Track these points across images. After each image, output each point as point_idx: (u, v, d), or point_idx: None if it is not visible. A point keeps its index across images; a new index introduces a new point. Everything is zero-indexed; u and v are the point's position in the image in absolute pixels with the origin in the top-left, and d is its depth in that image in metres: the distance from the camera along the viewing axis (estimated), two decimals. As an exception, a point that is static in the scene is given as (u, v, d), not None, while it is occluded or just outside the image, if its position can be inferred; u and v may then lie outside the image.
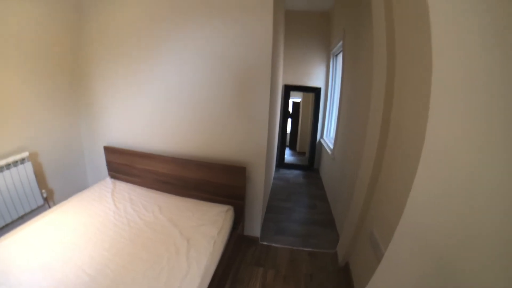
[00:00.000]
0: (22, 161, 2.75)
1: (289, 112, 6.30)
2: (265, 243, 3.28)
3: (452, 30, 0.96)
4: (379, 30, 2.01)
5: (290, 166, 6.40)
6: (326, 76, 5.65)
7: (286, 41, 5.48)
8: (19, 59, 2.70)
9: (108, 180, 3.36)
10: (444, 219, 0.93)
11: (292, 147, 7.26)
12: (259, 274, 2.76)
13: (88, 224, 2.42)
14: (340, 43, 4.20)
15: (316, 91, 5.77)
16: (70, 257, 1.98)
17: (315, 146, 6.07)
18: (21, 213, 2.78)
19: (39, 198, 2.96)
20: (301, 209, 4.32)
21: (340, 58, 4.56)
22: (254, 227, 3.31)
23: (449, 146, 0.94)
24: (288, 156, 6.87)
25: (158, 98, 3.13)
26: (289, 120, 6.53)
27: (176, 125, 3.15)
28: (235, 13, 2.63)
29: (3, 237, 2.13)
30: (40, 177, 3.06)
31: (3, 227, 2.61)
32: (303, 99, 6.60)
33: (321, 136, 5.90)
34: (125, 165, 3.38)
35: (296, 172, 6.10)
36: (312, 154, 6.15)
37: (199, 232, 2.38)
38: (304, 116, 6.61)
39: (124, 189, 3.15)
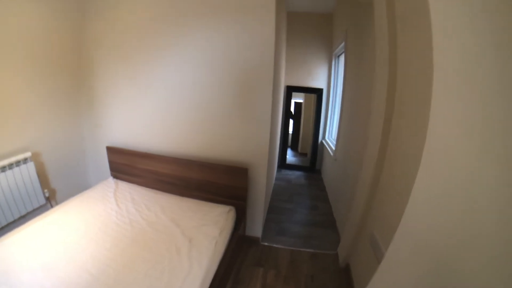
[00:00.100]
0: (25, 161, 2.76)
1: (291, 112, 6.30)
2: (266, 243, 3.29)
3: (453, 31, 0.96)
4: (381, 31, 2.02)
5: (291, 167, 6.40)
6: (328, 77, 5.64)
7: (288, 42, 5.48)
8: (21, 59, 2.71)
9: (111, 180, 3.37)
10: (444, 219, 0.93)
11: (294, 148, 7.25)
12: (260, 274, 2.77)
13: (90, 223, 2.43)
14: (342, 44, 4.20)
15: (318, 92, 5.76)
16: (72, 256, 1.98)
17: (317, 147, 6.06)
18: (23, 212, 2.79)
19: (41, 198, 2.97)
20: (303, 210, 4.32)
21: (342, 59, 4.56)
22: (255, 227, 3.31)
23: (450, 146, 0.94)
24: (290, 156, 6.86)
25: (160, 98, 3.14)
26: (291, 121, 6.52)
27: (178, 126, 3.16)
28: (238, 15, 2.63)
29: (5, 236, 2.14)
30: (42, 176, 3.07)
31: (5, 226, 2.62)
32: (305, 100, 6.59)
33: (323, 137, 5.89)
34: (127, 165, 3.39)
35: (297, 173, 6.10)
36: (314, 155, 6.14)
37: (201, 232, 2.38)
38: (306, 117, 6.60)
39: (127, 189, 3.15)
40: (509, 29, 0.73)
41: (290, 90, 5.89)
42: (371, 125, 2.27)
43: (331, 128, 5.57)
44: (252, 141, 2.94)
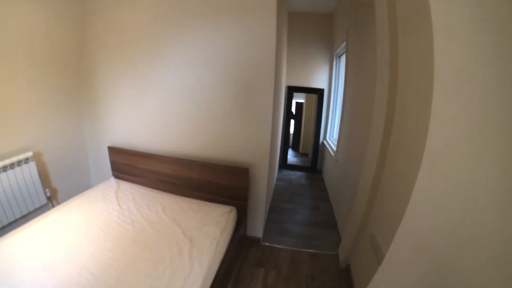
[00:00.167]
0: (26, 160, 2.77)
1: (292, 113, 6.30)
2: (267, 244, 3.29)
3: (454, 31, 0.97)
4: (382, 32, 2.02)
5: (293, 167, 6.40)
6: (329, 77, 5.64)
7: (289, 42, 5.48)
8: (23, 59, 2.72)
9: (112, 180, 3.38)
10: (445, 219, 0.93)
11: (295, 148, 7.26)
12: (261, 274, 2.77)
13: (91, 223, 2.44)
14: (343, 44, 4.19)
15: (319, 92, 5.76)
16: (73, 256, 1.99)
17: (318, 147, 6.06)
18: (25, 212, 2.79)
19: (43, 197, 2.98)
20: (304, 210, 4.32)
21: (343, 59, 4.56)
22: (256, 227, 3.32)
23: (450, 146, 0.94)
24: (291, 157, 6.87)
25: (161, 98, 3.15)
26: (292, 121, 6.52)
27: (179, 126, 3.16)
28: (238, 15, 2.63)
29: (6, 236, 2.14)
30: (44, 176, 3.08)
31: (6, 226, 2.62)
32: (306, 100, 6.59)
33: (324, 137, 5.89)
34: (128, 165, 3.40)
35: (298, 173, 6.10)
36: (315, 155, 6.14)
37: (202, 232, 2.39)
38: (307, 117, 6.60)
39: (128, 189, 3.16)
40: (509, 29, 0.73)
41: (291, 90, 5.89)
42: (372, 126, 2.27)
43: (332, 129, 5.56)
44: (253, 141, 2.94)
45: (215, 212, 2.73)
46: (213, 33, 2.76)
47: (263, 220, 3.31)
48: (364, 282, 2.18)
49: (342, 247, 2.95)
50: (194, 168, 3.06)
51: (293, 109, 6.44)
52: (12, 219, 2.68)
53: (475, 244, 0.79)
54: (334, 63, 5.24)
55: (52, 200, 3.24)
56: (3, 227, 2.60)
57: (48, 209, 2.91)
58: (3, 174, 2.55)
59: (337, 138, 4.65)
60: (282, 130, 5.90)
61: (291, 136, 6.72)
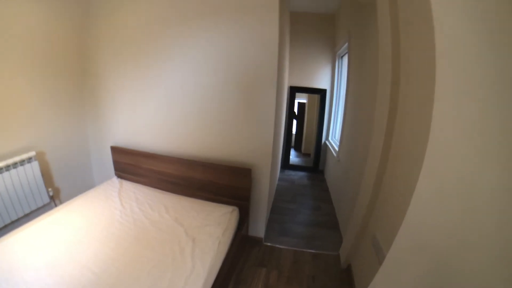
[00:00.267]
0: (29, 160, 2.78)
1: (294, 113, 6.30)
2: (269, 244, 3.30)
3: (455, 32, 0.97)
4: (384, 32, 2.02)
5: (295, 167, 6.40)
6: (331, 77, 5.63)
7: (291, 42, 5.48)
8: (27, 60, 2.73)
9: (115, 180, 3.39)
10: (445, 220, 0.94)
11: (297, 149, 7.25)
12: (262, 274, 2.77)
13: (94, 222, 2.45)
14: (346, 44, 4.19)
15: (321, 92, 5.75)
16: (75, 255, 2.00)
17: (320, 148, 6.06)
18: (27, 211, 2.81)
19: (45, 197, 3.00)
20: (306, 211, 4.32)
21: (345, 59, 4.56)
22: (258, 228, 3.32)
23: (452, 147, 0.95)
24: (293, 157, 6.87)
25: (164, 98, 3.16)
26: (294, 121, 6.52)
27: (182, 126, 3.17)
28: (241, 15, 2.64)
29: (8, 234, 2.16)
30: (46, 176, 3.10)
31: (9, 224, 2.64)
32: (309, 100, 6.59)
33: (326, 138, 5.88)
34: (131, 165, 3.41)
35: (301, 174, 6.09)
36: (317, 155, 6.13)
37: (204, 232, 2.39)
38: (310, 118, 6.59)
39: (131, 188, 3.17)
40: (509, 29, 0.74)
41: (294, 91, 5.89)
42: (374, 126, 2.28)
43: (334, 129, 5.56)
44: (255, 141, 2.94)
45: (217, 212, 2.74)
46: (215, 33, 2.76)
47: (265, 220, 3.31)
48: (365, 283, 2.18)
49: (344, 248, 2.95)
50: (197, 168, 3.07)
51: (295, 110, 6.43)
52: (14, 218, 2.69)
53: (475, 245, 0.79)
54: (337, 63, 5.24)
55: (54, 199, 3.25)
56: (6, 226, 2.61)
57: (51, 208, 2.93)
58: (6, 174, 2.56)
59: (339, 139, 4.64)
60: (285, 130, 5.90)
61: (293, 136, 6.71)
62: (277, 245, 3.27)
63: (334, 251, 3.16)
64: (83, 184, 3.70)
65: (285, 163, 6.33)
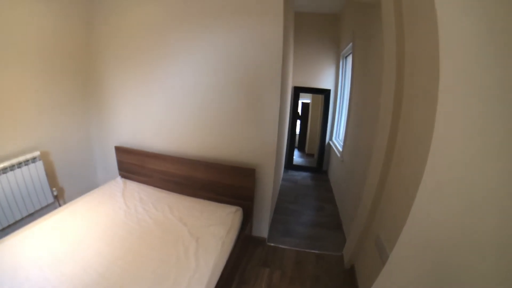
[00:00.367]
0: (34, 160, 2.80)
1: (298, 113, 6.29)
2: (272, 244, 3.30)
3: (459, 32, 0.97)
4: (388, 33, 2.02)
5: (298, 167, 6.38)
6: (335, 77, 5.62)
7: (295, 42, 5.47)
8: (32, 61, 2.75)
9: (119, 180, 3.41)
10: (449, 220, 0.94)
11: (301, 149, 7.23)
12: (265, 274, 2.78)
13: (98, 222, 2.47)
14: (350, 45, 4.18)
15: (325, 92, 5.74)
16: (79, 254, 2.02)
17: (324, 148, 6.04)
18: (32, 210, 2.83)
19: (50, 196, 3.01)
20: (309, 211, 4.32)
21: (349, 59, 4.55)
22: (261, 228, 3.32)
23: (455, 148, 0.94)
24: (297, 157, 6.84)
25: (168, 99, 3.17)
26: (298, 122, 6.51)
27: (186, 126, 3.18)
28: (245, 16, 2.64)
29: (13, 234, 2.18)
30: (51, 175, 3.11)
31: (13, 224, 2.65)
32: (313, 101, 6.57)
33: (330, 138, 5.87)
34: (135, 165, 3.43)
35: (304, 174, 6.09)
36: (321, 156, 6.12)
37: (208, 232, 2.40)
38: (313, 118, 6.58)
39: (135, 188, 3.19)
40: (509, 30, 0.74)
41: (298, 91, 5.88)
42: (378, 127, 2.27)
43: (338, 129, 5.55)
44: (259, 141, 2.95)
45: (221, 212, 2.75)
46: (219, 34, 2.77)
47: (268, 221, 3.31)
48: (368, 283, 2.17)
49: (347, 248, 2.95)
50: (201, 168, 3.08)
51: (299, 110, 6.42)
52: (19, 217, 2.71)
53: (480, 246, 0.79)
54: (341, 63, 5.23)
55: (59, 199, 3.27)
56: (10, 226, 2.63)
57: (55, 208, 2.95)
58: (11, 173, 2.58)
59: (343, 139, 4.63)
60: (288, 130, 5.89)
61: (297, 137, 6.69)
62: (281, 245, 3.27)
63: (337, 252, 3.16)
64: (87, 184, 3.72)
65: (289, 163, 6.32)
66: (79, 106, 3.44)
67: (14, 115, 2.66)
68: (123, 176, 3.55)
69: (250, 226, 3.05)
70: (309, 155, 6.95)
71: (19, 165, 2.66)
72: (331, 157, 5.86)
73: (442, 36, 1.08)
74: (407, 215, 1.23)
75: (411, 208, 1.21)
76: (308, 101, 6.70)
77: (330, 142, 5.76)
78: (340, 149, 4.72)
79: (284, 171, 6.09)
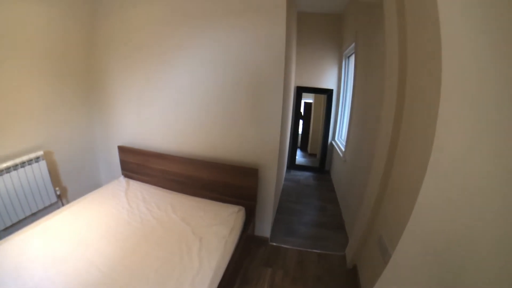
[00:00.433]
0: (37, 159, 2.81)
1: (300, 113, 6.29)
2: (275, 244, 3.30)
3: (461, 33, 0.97)
4: (391, 33, 2.02)
5: (301, 167, 6.38)
6: (338, 77, 5.61)
7: (298, 42, 5.47)
8: (36, 61, 2.77)
9: (122, 179, 3.42)
10: (450, 221, 0.94)
11: (303, 149, 7.23)
12: (268, 274, 2.78)
13: (101, 221, 2.48)
14: (352, 45, 4.18)
15: (328, 92, 5.74)
16: (82, 253, 2.03)
17: (326, 148, 6.04)
18: (35, 210, 2.85)
19: (53, 196, 3.03)
20: (311, 211, 4.33)
21: (352, 59, 4.55)
22: (264, 227, 3.33)
23: (457, 149, 0.95)
24: (299, 157, 6.85)
25: (171, 98, 3.18)
26: (301, 122, 6.51)
27: (189, 126, 3.19)
28: (248, 16, 2.65)
29: (17, 233, 2.19)
30: (54, 175, 3.13)
31: (16, 223, 2.67)
32: (315, 101, 6.57)
33: (333, 138, 5.87)
34: (138, 164, 3.44)
35: (307, 174, 6.09)
36: (323, 156, 6.11)
37: (211, 231, 2.41)
38: (316, 118, 6.57)
39: (138, 188, 3.19)
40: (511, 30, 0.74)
41: (300, 91, 5.88)
42: (381, 126, 2.28)
43: (340, 129, 5.54)
44: (262, 141, 2.95)
45: (224, 211, 2.75)
46: (222, 34, 2.78)
47: (271, 220, 3.32)
48: (371, 283, 2.17)
49: (349, 248, 2.95)
50: (204, 168, 3.09)
51: (302, 110, 6.42)
52: (22, 216, 2.73)
53: (483, 247, 0.79)
54: (343, 63, 5.22)
55: (62, 198, 3.29)
56: (13, 225, 2.65)
57: (58, 207, 2.97)
58: (14, 173, 2.60)
59: (345, 139, 4.63)
60: (291, 130, 5.90)
61: (299, 137, 6.70)
62: (283, 245, 3.28)
63: (339, 252, 3.16)
64: (90, 184, 3.73)
65: (291, 163, 6.32)
66: (82, 106, 3.46)
67: (17, 115, 2.68)
68: (126, 175, 3.56)
69: (252, 225, 3.05)
70: (312, 155, 6.95)
71: (23, 164, 2.68)
72: (333, 157, 5.86)
73: (444, 36, 1.09)
74: (409, 215, 1.24)
75: (413, 208, 1.22)
76: (310, 101, 6.69)
77: (333, 142, 5.76)
78: (343, 149, 4.72)
79: (287, 171, 6.09)
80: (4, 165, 2.51)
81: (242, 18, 2.67)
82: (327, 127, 5.88)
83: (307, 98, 6.60)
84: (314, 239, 3.47)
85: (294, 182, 5.55)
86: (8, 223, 2.60)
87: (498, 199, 0.75)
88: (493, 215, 0.76)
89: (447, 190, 0.99)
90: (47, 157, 3.00)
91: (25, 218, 2.76)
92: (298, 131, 6.35)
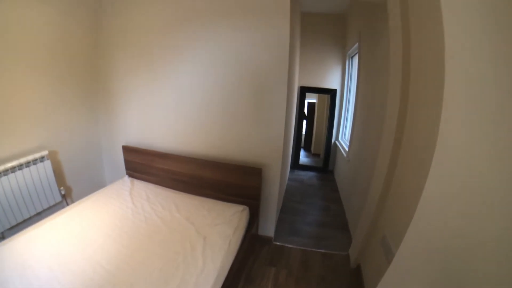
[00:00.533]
0: (42, 159, 2.83)
1: (304, 113, 6.28)
2: (279, 243, 3.31)
3: (465, 32, 0.97)
4: (394, 33, 2.02)
5: (304, 167, 6.39)
6: (342, 77, 5.61)
7: (302, 42, 5.47)
8: (40, 60, 2.79)
9: (126, 179, 3.43)
10: (453, 221, 0.94)
11: (307, 149, 7.23)
12: (272, 274, 2.79)
13: (106, 220, 2.49)
14: (356, 45, 4.18)
15: (331, 92, 5.73)
16: (88, 252, 2.04)
17: (330, 148, 6.04)
18: (40, 209, 2.86)
19: (57, 195, 3.05)
20: (315, 211, 4.33)
21: (355, 59, 4.55)
22: (268, 227, 3.34)
23: (460, 150, 0.95)
24: (303, 157, 6.83)
25: (175, 99, 3.19)
26: (304, 122, 6.50)
27: (194, 126, 3.20)
28: (253, 16, 2.66)
29: (21, 232, 2.20)
30: (59, 175, 3.15)
31: (21, 223, 2.69)
32: (319, 101, 6.57)
33: (336, 138, 5.86)
34: (142, 164, 3.45)
35: (310, 174, 6.09)
36: (327, 155, 6.11)
37: (215, 231, 2.41)
38: (319, 118, 6.58)
39: (142, 187, 3.21)
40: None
41: (304, 91, 5.87)
42: (384, 126, 2.28)
43: (344, 129, 5.54)
44: (266, 141, 2.96)
45: (228, 211, 2.76)
46: (226, 34, 2.79)
47: (274, 220, 3.32)
48: (374, 282, 2.17)
49: (353, 247, 2.95)
50: (208, 167, 3.10)
51: (305, 110, 6.41)
52: (27, 216, 2.74)
53: (486, 247, 0.79)
54: (347, 63, 5.21)
55: (66, 198, 3.30)
56: (18, 224, 2.66)
57: (63, 207, 2.99)
58: (19, 172, 2.61)
59: (349, 139, 4.63)
60: (294, 130, 5.89)
61: (303, 137, 6.69)
62: (287, 245, 3.28)
63: (343, 251, 3.17)
64: (94, 183, 3.75)
65: (295, 163, 6.32)
66: (86, 106, 3.48)
67: (22, 115, 2.70)
68: (131, 175, 3.58)
69: (256, 225, 3.06)
70: (315, 155, 6.95)
71: (28, 164, 2.69)
72: (337, 157, 5.85)
73: (447, 36, 1.09)
74: (413, 214, 1.24)
75: (416, 208, 1.22)
76: (314, 101, 6.69)
77: (336, 142, 5.75)
78: (346, 148, 4.71)
79: (290, 171, 6.09)
80: (9, 164, 2.53)
81: (246, 18, 2.69)
82: (330, 127, 5.87)
83: (311, 98, 6.59)
84: (318, 238, 3.47)
85: (298, 182, 5.56)
86: (13, 222, 2.61)
87: (500, 198, 0.75)
88: (497, 214, 0.76)
89: (450, 190, 0.99)
90: (52, 156, 3.01)
91: (30, 218, 2.78)
92: (301, 131, 6.34)
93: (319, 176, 5.99)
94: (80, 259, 1.96)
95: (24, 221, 2.72)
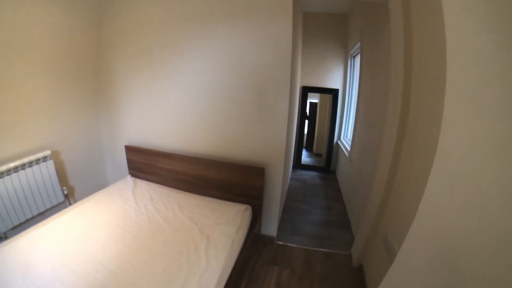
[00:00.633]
0: (44, 159, 2.84)
1: (306, 113, 6.28)
2: (281, 242, 3.31)
3: (466, 30, 0.97)
4: (396, 32, 2.02)
5: (306, 167, 6.38)
6: (343, 77, 5.61)
7: (304, 42, 5.46)
8: (43, 60, 2.79)
9: (129, 179, 3.44)
10: (455, 220, 0.94)
11: (309, 149, 7.23)
12: (274, 273, 2.79)
13: (109, 220, 2.49)
14: (358, 44, 4.17)
15: (333, 92, 5.73)
16: (90, 252, 2.04)
17: (332, 148, 6.03)
18: (42, 209, 2.87)
19: (60, 195, 3.05)
20: (317, 210, 4.33)
21: (357, 59, 4.54)
22: (270, 226, 3.34)
23: (463, 147, 0.95)
24: (305, 157, 6.84)
25: (178, 99, 3.19)
26: (306, 121, 6.50)
27: (196, 125, 3.20)
28: (255, 17, 2.65)
29: (24, 232, 2.21)
30: (61, 174, 3.16)
31: (24, 223, 2.70)
32: (321, 100, 6.57)
33: (338, 138, 5.87)
34: (145, 164, 3.46)
35: (312, 173, 6.09)
36: (329, 155, 6.11)
37: (218, 230, 2.42)
38: (321, 117, 6.57)
39: (145, 187, 3.21)
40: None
41: (306, 91, 5.88)
42: (386, 126, 2.28)
43: (346, 129, 5.54)
44: (269, 141, 2.96)
45: (231, 210, 2.76)
46: (229, 34, 2.79)
47: (277, 219, 3.32)
48: (377, 282, 2.17)
49: (355, 247, 2.95)
50: (210, 167, 3.10)
51: (307, 109, 6.41)
52: (30, 216, 2.75)
53: (487, 246, 0.79)
54: (349, 63, 5.22)
55: (69, 198, 3.31)
56: (21, 224, 2.67)
57: (65, 207, 2.99)
58: (22, 172, 2.62)
59: (351, 138, 4.63)
60: (297, 130, 5.89)
61: (305, 136, 6.70)
62: (289, 244, 3.28)
63: (345, 251, 3.17)
64: (97, 183, 3.76)
65: (297, 163, 6.33)
66: (89, 106, 3.49)
67: (25, 115, 2.71)
68: (133, 175, 3.58)
69: (259, 224, 3.06)
70: (317, 155, 6.96)
71: (30, 164, 2.70)
72: (339, 157, 5.85)
73: (449, 36, 1.09)
74: (415, 214, 1.24)
75: (418, 207, 1.22)
76: (316, 100, 6.69)
77: (338, 142, 5.75)
78: (349, 148, 4.72)
79: (293, 171, 6.09)
80: (12, 164, 2.53)
81: (249, 18, 2.68)
82: (332, 127, 5.87)
83: (313, 98, 6.59)
84: (320, 238, 3.47)
85: (300, 182, 5.56)
86: (16, 222, 2.62)
87: (501, 199, 0.75)
88: (497, 214, 0.76)
89: (451, 190, 0.99)
90: (55, 156, 3.02)
91: (33, 217, 2.78)
92: (303, 131, 6.34)
93: (321, 175, 5.99)
94: (82, 259, 1.96)
95: (27, 221, 2.73)
